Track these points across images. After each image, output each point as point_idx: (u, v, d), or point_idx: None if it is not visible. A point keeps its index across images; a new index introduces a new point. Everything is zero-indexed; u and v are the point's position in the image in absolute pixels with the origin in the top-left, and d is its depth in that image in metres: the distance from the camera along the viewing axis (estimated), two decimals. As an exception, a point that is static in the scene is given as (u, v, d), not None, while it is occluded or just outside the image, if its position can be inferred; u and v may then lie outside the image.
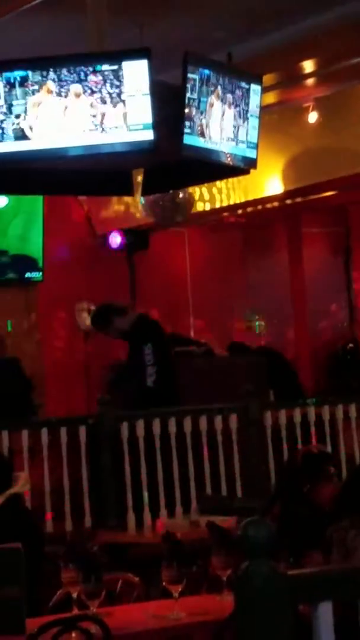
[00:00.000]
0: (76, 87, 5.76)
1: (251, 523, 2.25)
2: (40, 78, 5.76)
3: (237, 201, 10.41)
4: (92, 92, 5.75)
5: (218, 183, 10.11)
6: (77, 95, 5.76)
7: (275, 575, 2.21)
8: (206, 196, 10.41)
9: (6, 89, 5.77)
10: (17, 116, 5.79)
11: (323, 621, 2.28)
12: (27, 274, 10.78)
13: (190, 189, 9.39)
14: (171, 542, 4.69)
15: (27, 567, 4.29)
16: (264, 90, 6.66)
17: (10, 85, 5.77)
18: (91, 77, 5.75)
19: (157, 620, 4.48)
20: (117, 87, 5.74)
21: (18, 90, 5.78)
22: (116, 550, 6.77)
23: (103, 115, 5.75)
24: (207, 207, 10.46)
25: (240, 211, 10.96)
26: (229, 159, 6.27)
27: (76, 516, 7.35)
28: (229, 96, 6.20)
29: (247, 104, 6.32)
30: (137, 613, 4.72)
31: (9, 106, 5.79)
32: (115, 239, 11.36)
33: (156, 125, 5.75)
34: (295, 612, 2.25)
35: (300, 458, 5.07)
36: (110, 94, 5.75)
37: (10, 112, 5.80)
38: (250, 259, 12.27)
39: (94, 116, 5.76)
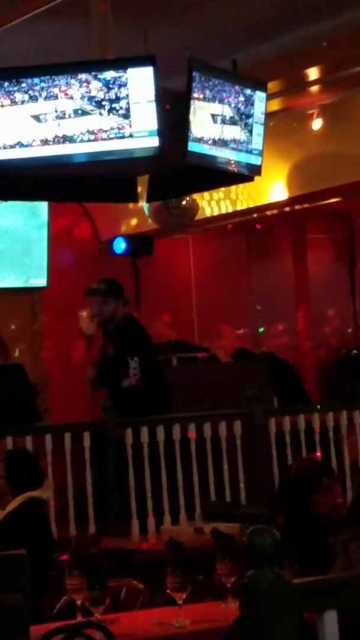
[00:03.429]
0: (81, 94, 5.77)
1: (256, 530, 2.25)
2: (45, 85, 5.77)
3: (242, 207, 10.43)
4: (97, 99, 5.76)
5: (223, 189, 10.11)
6: (82, 102, 5.77)
7: (280, 582, 2.21)
8: (211, 203, 10.42)
9: (12, 96, 5.78)
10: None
11: (328, 629, 2.28)
12: (32, 280, 10.80)
13: (195, 196, 9.39)
14: (175, 549, 4.68)
15: (35, 573, 4.29)
16: (269, 97, 6.67)
17: (15, 92, 5.78)
18: (96, 84, 5.77)
19: (162, 627, 4.47)
20: (122, 94, 5.75)
21: (23, 97, 5.79)
22: (120, 557, 6.77)
23: (108, 121, 5.76)
24: (212, 213, 10.47)
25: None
26: (233, 165, 6.28)
27: (80, 522, 7.35)
28: (234, 103, 6.21)
29: (252, 111, 6.34)
30: (141, 620, 4.72)
31: (13, 112, 5.81)
32: (120, 245, 11.37)
33: (161, 132, 5.76)
34: (300, 620, 2.25)
35: (293, 474, 5.05)
36: (115, 100, 5.76)
37: (15, 118, 5.82)
38: (254, 264, 12.27)
39: (99, 122, 5.77)
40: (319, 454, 7.78)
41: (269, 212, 10.77)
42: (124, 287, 8.70)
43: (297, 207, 10.64)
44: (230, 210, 10.48)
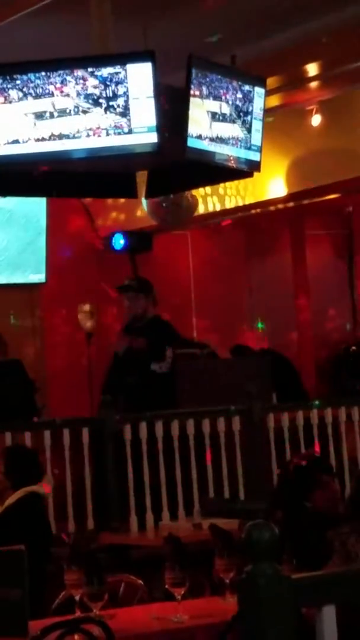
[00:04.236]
0: (80, 90, 5.76)
1: (255, 526, 2.25)
2: (40, 82, 5.76)
3: (241, 204, 10.42)
4: (96, 94, 5.76)
5: (221, 185, 10.11)
6: (81, 98, 5.77)
7: (279, 578, 2.21)
8: (209, 198, 10.41)
9: (6, 94, 5.77)
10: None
11: (327, 624, 2.29)
12: (31, 276, 10.80)
13: (194, 191, 9.39)
14: (174, 545, 4.69)
15: (33, 568, 4.29)
16: (268, 93, 6.67)
17: (9, 89, 5.78)
18: (93, 81, 5.76)
19: (160, 622, 4.48)
20: (120, 90, 5.74)
21: (17, 95, 5.78)
22: (119, 552, 6.78)
23: (107, 117, 5.76)
24: (210, 209, 10.47)
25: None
26: (232, 161, 6.27)
27: (79, 518, 7.35)
28: (233, 99, 6.21)
29: (251, 107, 6.33)
30: (140, 615, 4.73)
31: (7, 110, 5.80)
32: (119, 241, 11.37)
33: (160, 128, 5.75)
34: (299, 615, 2.25)
35: (291, 472, 5.06)
36: (114, 96, 5.75)
37: (9, 117, 5.81)
38: (253, 261, 12.27)
39: (97, 120, 5.77)
40: (317, 449, 7.79)
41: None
42: (154, 287, 8.86)
43: (298, 202, 10.63)
44: (228, 206, 10.47)
